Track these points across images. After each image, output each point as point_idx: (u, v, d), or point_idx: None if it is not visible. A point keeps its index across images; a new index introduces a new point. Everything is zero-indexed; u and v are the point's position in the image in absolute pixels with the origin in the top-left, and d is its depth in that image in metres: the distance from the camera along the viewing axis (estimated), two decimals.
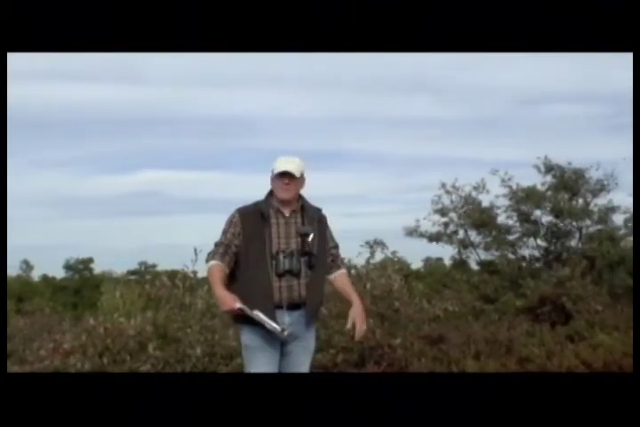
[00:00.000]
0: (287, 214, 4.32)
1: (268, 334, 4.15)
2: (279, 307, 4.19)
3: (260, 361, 4.20)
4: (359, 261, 8.76)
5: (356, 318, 4.31)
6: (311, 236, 4.29)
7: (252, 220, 4.26)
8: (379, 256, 9.62)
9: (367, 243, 10.14)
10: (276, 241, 4.23)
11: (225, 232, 4.28)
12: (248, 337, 4.24)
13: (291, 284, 4.21)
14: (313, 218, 4.36)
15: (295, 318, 4.23)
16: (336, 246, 4.53)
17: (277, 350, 4.24)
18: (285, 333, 4.13)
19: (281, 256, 4.19)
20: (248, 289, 4.19)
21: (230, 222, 4.29)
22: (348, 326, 4.34)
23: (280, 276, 4.19)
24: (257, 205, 4.34)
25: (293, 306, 4.23)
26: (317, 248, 4.32)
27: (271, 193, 4.36)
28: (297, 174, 4.28)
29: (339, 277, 4.52)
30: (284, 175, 4.26)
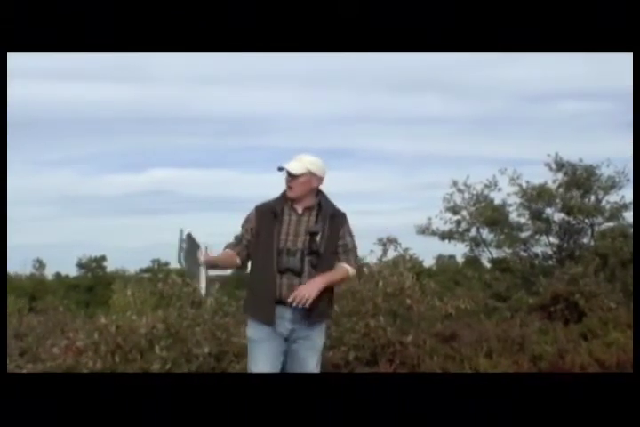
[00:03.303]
0: (300, 212, 4.33)
1: (272, 329, 4.22)
2: (283, 303, 4.20)
3: (259, 353, 4.25)
4: (371, 259, 8.79)
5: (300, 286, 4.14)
6: (319, 235, 4.27)
7: (265, 216, 4.32)
8: (391, 254, 9.64)
9: (380, 240, 10.15)
10: (283, 238, 4.25)
11: (242, 227, 4.40)
12: (251, 331, 4.33)
13: (291, 282, 4.21)
14: (326, 216, 4.31)
15: (299, 316, 4.23)
16: (345, 245, 4.35)
17: (280, 345, 4.26)
18: (203, 291, 4.36)
19: (284, 254, 4.22)
20: (254, 283, 4.34)
21: (247, 219, 4.40)
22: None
23: (281, 273, 4.21)
24: (273, 201, 4.39)
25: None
26: (325, 247, 4.27)
27: None
28: (296, 172, 4.27)
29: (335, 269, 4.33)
30: (287, 173, 4.30)
